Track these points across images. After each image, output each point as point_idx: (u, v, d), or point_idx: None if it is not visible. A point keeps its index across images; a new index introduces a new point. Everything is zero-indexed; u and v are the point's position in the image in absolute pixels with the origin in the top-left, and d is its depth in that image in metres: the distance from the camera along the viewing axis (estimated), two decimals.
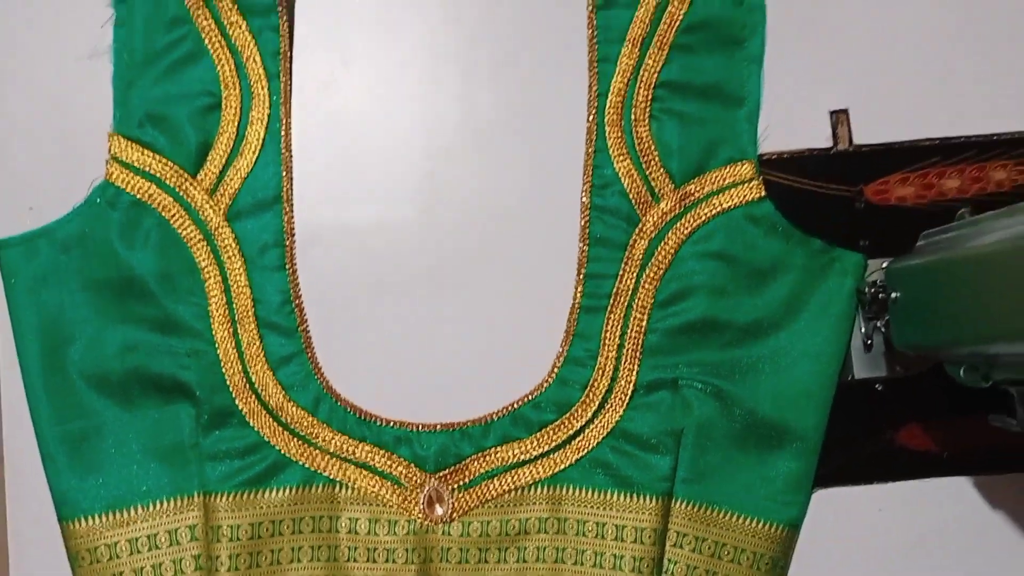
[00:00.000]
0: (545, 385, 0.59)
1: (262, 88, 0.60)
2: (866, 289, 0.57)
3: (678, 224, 0.59)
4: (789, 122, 0.60)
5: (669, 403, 0.58)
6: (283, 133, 0.60)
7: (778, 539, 0.58)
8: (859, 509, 0.59)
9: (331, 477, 0.58)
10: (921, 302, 0.50)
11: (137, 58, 0.59)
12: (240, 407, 0.58)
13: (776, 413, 0.58)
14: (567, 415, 0.59)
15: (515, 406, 0.59)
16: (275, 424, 0.58)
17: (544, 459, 0.58)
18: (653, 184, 0.59)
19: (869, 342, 0.58)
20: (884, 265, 0.58)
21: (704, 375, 0.58)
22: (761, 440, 0.58)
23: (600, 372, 0.59)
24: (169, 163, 0.59)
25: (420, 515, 0.58)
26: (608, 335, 0.59)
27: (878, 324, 0.57)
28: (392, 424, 0.59)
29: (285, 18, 0.60)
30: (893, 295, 0.52)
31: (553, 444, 0.58)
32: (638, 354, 0.59)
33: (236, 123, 0.59)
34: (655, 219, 0.59)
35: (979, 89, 0.61)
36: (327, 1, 0.61)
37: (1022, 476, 0.59)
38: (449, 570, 0.58)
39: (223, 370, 0.58)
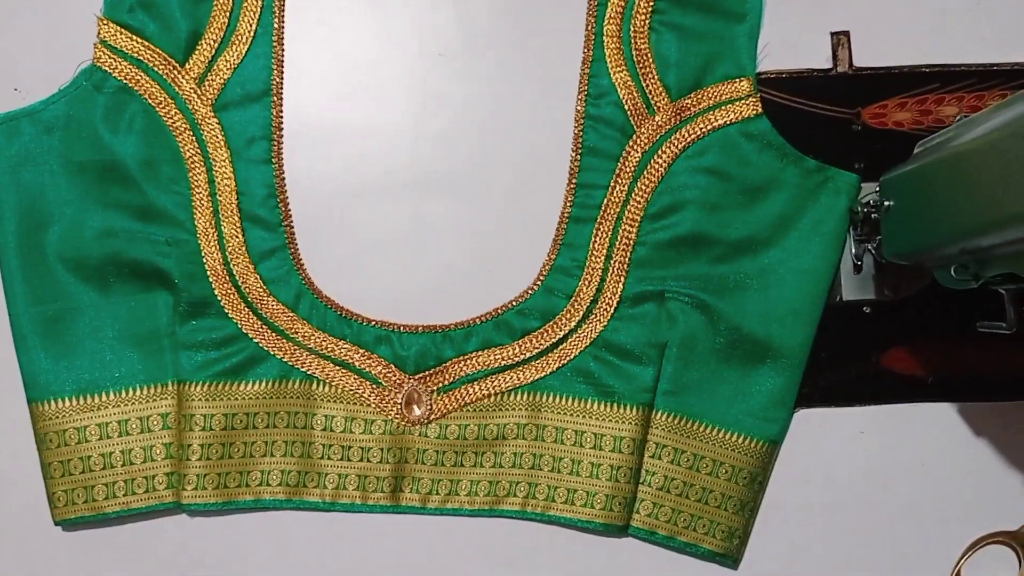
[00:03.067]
0: (530, 292, 0.58)
1: None
2: (859, 209, 0.57)
3: (673, 137, 0.58)
4: (789, 41, 0.60)
5: (654, 315, 0.57)
6: (276, 26, 0.59)
7: (757, 454, 0.57)
8: (841, 430, 0.59)
9: (308, 373, 0.57)
10: (914, 207, 0.49)
11: None
12: (219, 298, 0.57)
13: (762, 329, 0.57)
14: (551, 323, 0.58)
15: (499, 312, 0.58)
16: (253, 317, 0.57)
17: (525, 365, 0.58)
18: (649, 96, 0.59)
19: (859, 263, 0.58)
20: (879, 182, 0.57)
21: (691, 289, 0.57)
22: (745, 356, 0.57)
23: (586, 282, 0.58)
24: (157, 50, 0.58)
25: (397, 415, 0.57)
26: (596, 246, 0.58)
27: (869, 246, 0.57)
28: (373, 324, 0.58)
29: None
30: (886, 204, 0.52)
31: (535, 351, 0.58)
32: (625, 266, 0.58)
33: (228, 13, 0.58)
34: (649, 131, 0.58)
35: (980, 19, 0.61)
36: None
37: (1005, 405, 0.59)
38: (424, 471, 0.57)
39: (203, 260, 0.57)
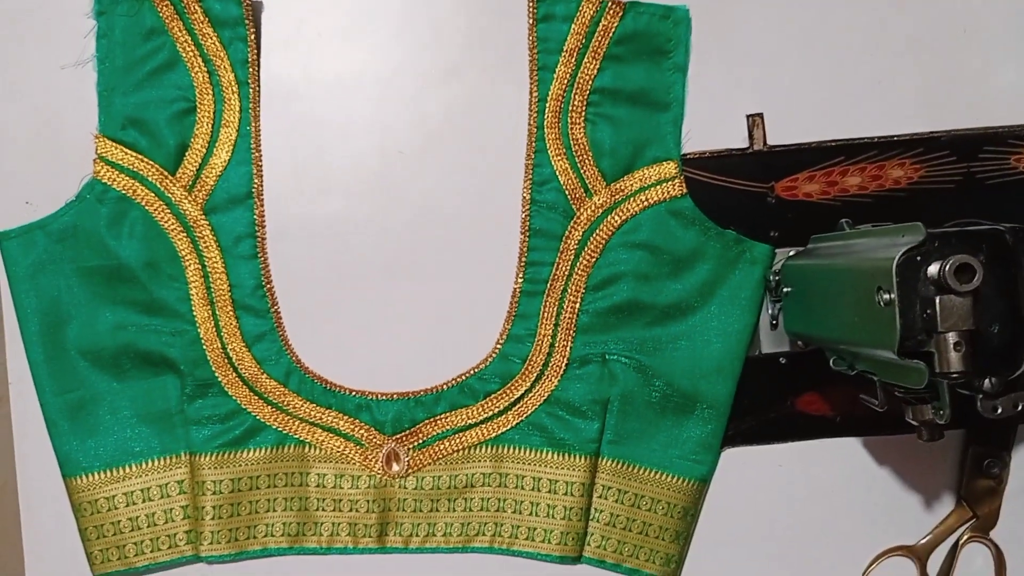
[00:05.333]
0: (489, 359, 0.67)
1: (233, 94, 0.66)
2: (771, 276, 0.65)
3: (609, 217, 0.66)
4: (710, 125, 0.67)
5: (598, 375, 0.66)
6: (253, 135, 0.66)
7: (689, 491, 0.67)
8: (762, 466, 0.68)
9: (301, 439, 0.66)
10: (805, 298, 0.58)
11: (118, 65, 0.65)
12: (220, 379, 0.66)
13: (690, 385, 0.66)
14: (508, 385, 0.67)
15: (463, 377, 0.67)
16: (251, 393, 0.66)
17: (488, 423, 0.67)
18: (587, 181, 0.66)
19: (775, 322, 0.66)
20: (790, 254, 0.65)
21: (628, 351, 0.66)
22: (677, 408, 0.66)
23: (538, 348, 0.67)
24: (150, 162, 0.65)
25: (380, 471, 0.66)
26: (545, 316, 0.67)
27: (782, 307, 0.65)
28: (354, 393, 0.67)
29: (252, 29, 0.66)
30: (786, 289, 0.60)
31: (496, 410, 0.67)
32: (571, 332, 0.66)
33: (210, 126, 0.66)
34: (588, 212, 0.66)
35: (881, 94, 0.68)
36: (291, 15, 0.67)
37: (900, 437, 0.68)
38: (405, 518, 0.67)
39: (203, 347, 0.66)
